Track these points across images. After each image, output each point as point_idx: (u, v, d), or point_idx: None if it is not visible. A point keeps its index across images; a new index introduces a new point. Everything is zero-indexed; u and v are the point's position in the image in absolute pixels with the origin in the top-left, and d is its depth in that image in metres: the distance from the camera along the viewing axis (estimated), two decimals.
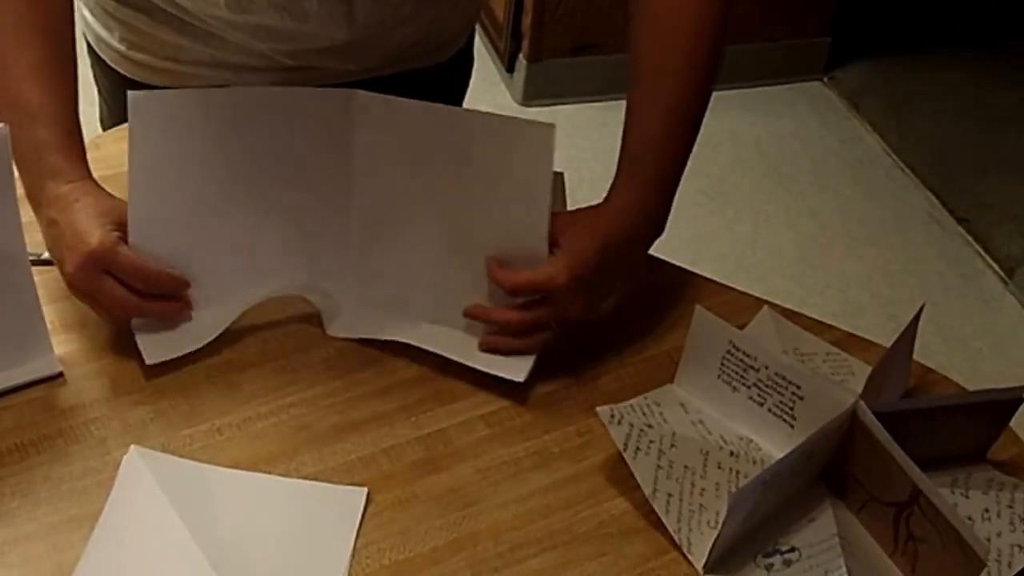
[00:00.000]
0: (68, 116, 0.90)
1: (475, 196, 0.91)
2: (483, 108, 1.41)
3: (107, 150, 1.04)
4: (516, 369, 0.92)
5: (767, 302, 1.03)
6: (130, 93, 0.79)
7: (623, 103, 0.96)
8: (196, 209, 0.89)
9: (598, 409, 0.85)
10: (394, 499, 0.84)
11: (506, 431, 0.90)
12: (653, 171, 0.95)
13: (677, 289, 1.05)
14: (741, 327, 1.00)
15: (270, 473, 0.85)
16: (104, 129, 1.24)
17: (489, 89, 2.76)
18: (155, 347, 0.89)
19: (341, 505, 0.83)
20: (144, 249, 0.85)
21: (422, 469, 0.86)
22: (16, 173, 0.84)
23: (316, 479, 0.84)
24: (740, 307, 1.03)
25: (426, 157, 0.91)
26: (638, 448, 0.84)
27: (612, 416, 0.85)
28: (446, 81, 1.29)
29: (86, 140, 0.94)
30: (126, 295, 0.87)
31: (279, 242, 0.94)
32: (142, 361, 0.90)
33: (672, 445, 0.86)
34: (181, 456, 0.85)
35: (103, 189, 0.88)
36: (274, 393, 0.91)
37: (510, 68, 2.81)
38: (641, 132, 0.95)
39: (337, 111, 0.90)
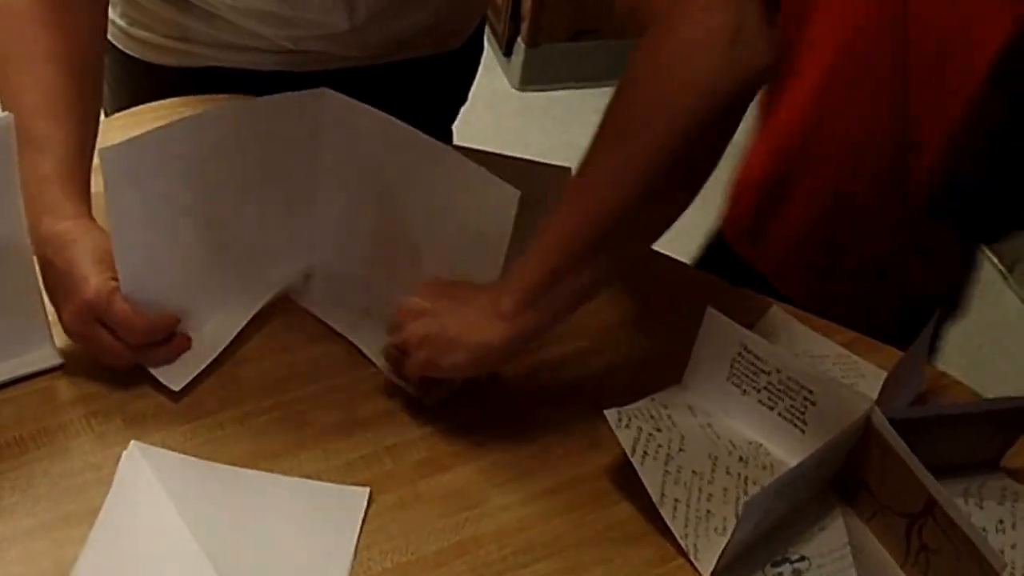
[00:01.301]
0: (73, 150, 0.87)
1: (431, 227, 0.90)
2: (481, 92, 1.43)
3: (110, 137, 1.02)
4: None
5: (776, 303, 1.02)
6: (100, 149, 0.78)
7: None
8: (178, 239, 0.87)
9: (606, 412, 0.84)
10: (397, 499, 0.83)
11: (511, 432, 0.89)
12: (530, 277, 0.83)
13: (686, 287, 1.04)
14: (749, 328, 0.99)
15: (271, 471, 0.83)
16: (106, 112, 1.22)
17: (486, 73, 2.71)
18: (173, 375, 0.88)
19: (343, 505, 0.82)
20: (136, 294, 0.84)
21: (425, 469, 0.85)
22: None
23: (318, 478, 0.83)
24: (749, 307, 1.02)
25: (389, 173, 0.90)
26: (646, 453, 0.83)
27: (620, 419, 0.84)
28: (454, 69, 1.27)
29: None
30: (120, 347, 0.85)
31: (259, 248, 0.92)
32: None
33: (680, 449, 0.85)
34: (182, 451, 0.84)
35: (101, 229, 0.85)
36: (276, 387, 0.89)
37: (508, 52, 2.78)
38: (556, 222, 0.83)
39: (305, 114, 0.89)
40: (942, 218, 1.10)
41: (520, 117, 2.71)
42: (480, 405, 0.90)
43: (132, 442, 0.83)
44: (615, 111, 0.82)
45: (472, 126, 1.45)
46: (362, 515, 0.81)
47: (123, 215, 0.81)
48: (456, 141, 1.36)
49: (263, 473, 0.83)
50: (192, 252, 0.88)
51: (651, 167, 0.80)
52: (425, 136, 0.87)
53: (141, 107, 1.12)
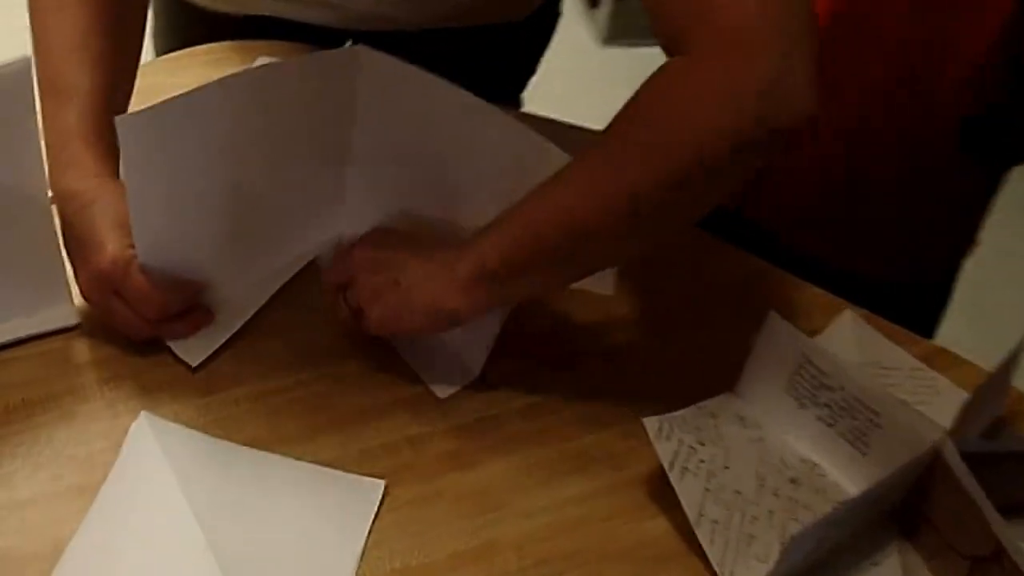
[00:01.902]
0: (100, 102, 0.82)
1: (473, 191, 0.83)
2: (561, 47, 1.35)
3: (152, 80, 0.97)
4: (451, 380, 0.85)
5: (850, 305, 0.94)
6: (117, 118, 0.72)
7: None
8: (200, 210, 0.82)
9: (645, 420, 0.77)
10: (414, 495, 0.77)
11: (544, 428, 0.82)
12: (489, 254, 0.76)
13: (750, 282, 0.96)
14: (817, 331, 0.91)
15: (285, 454, 0.78)
16: (157, 51, 1.18)
17: (568, 26, 2.62)
18: (191, 349, 0.83)
19: (356, 497, 0.77)
20: (155, 263, 0.79)
21: (448, 464, 0.79)
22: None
23: (332, 465, 0.78)
24: (818, 307, 0.94)
25: (429, 134, 0.84)
26: (685, 468, 0.76)
27: (660, 429, 0.77)
28: (521, 40, 1.19)
29: None
30: (136, 320, 0.80)
31: (287, 216, 0.87)
32: None
33: (725, 466, 0.77)
34: (194, 426, 0.79)
35: (124, 190, 0.80)
36: (298, 366, 0.84)
37: (594, 2, 2.63)
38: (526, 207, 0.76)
39: (338, 74, 0.82)
40: (971, 148, 1.02)
41: (603, 75, 2.56)
42: (514, 398, 0.84)
43: (142, 413, 0.79)
44: (615, 133, 0.73)
45: (549, 84, 1.37)
46: (375, 509, 0.76)
47: (141, 185, 0.76)
48: (531, 100, 1.29)
49: (275, 456, 0.78)
50: (215, 222, 0.83)
51: (637, 205, 0.72)
52: (469, 95, 0.80)
53: (188, 50, 1.07)
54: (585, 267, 0.79)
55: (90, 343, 0.83)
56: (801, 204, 1.07)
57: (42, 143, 0.79)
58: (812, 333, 0.90)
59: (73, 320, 0.84)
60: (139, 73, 0.91)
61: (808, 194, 1.06)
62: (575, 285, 0.88)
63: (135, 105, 0.87)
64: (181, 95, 0.74)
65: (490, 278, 0.76)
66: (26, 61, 0.75)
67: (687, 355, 0.89)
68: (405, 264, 0.79)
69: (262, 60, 1.05)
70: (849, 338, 0.91)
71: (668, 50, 0.72)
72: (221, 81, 0.76)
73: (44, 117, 0.82)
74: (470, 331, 0.84)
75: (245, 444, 0.78)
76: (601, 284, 0.91)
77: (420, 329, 0.80)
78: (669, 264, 0.95)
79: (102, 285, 0.79)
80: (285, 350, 0.85)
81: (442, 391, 0.84)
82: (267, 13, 1.07)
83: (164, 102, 0.74)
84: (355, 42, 0.91)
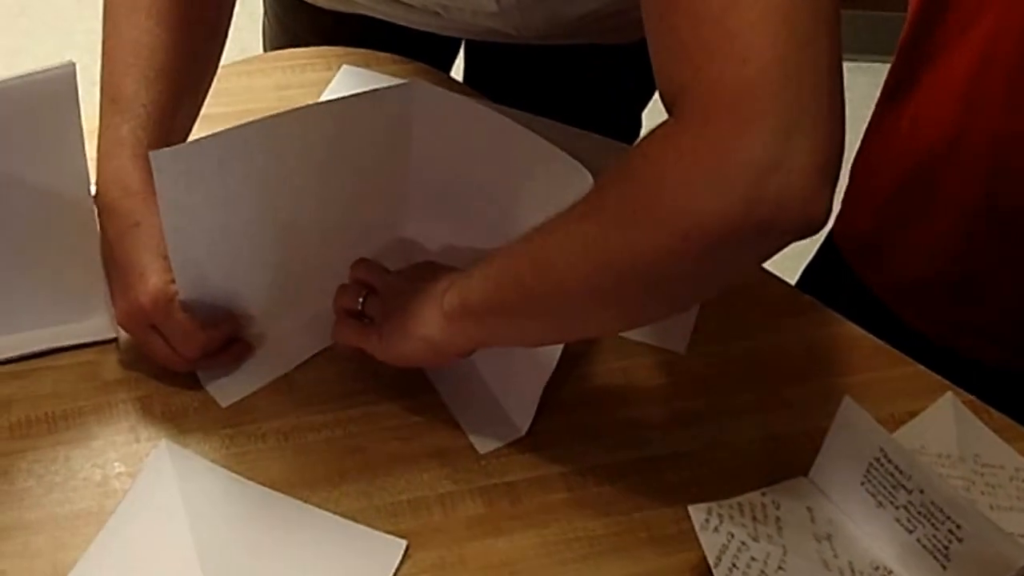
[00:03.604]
0: (158, 115, 0.78)
1: (522, 226, 0.76)
2: None
3: (226, 84, 0.93)
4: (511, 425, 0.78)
5: (953, 388, 0.84)
6: (152, 153, 0.68)
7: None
8: (244, 248, 0.77)
9: (691, 508, 0.69)
10: (436, 560, 0.71)
11: (588, 498, 0.75)
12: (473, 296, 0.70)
13: (840, 349, 0.87)
14: (914, 413, 0.81)
15: (306, 500, 0.73)
16: (265, 50, 1.15)
17: None
18: (224, 389, 0.79)
19: (374, 556, 0.71)
20: (196, 299, 0.75)
21: (478, 529, 0.73)
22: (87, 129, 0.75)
23: (355, 517, 0.72)
24: (918, 387, 0.84)
25: (482, 167, 0.79)
26: (734, 566, 0.68)
27: (708, 519, 0.69)
28: (640, 62, 1.12)
29: None
30: (174, 357, 0.76)
31: (338, 255, 0.81)
32: None
33: (780, 568, 0.69)
34: (215, 459, 0.75)
35: None
36: (334, 403, 0.79)
37: None
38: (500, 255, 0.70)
39: (391, 111, 0.77)
40: None
41: None
42: (559, 462, 0.77)
43: (163, 440, 0.75)
44: (603, 194, 0.64)
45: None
46: (392, 573, 0.70)
47: (177, 223, 0.72)
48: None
49: (294, 502, 0.73)
50: (260, 260, 0.78)
51: (615, 277, 0.63)
52: (524, 130, 0.74)
53: (270, 54, 1.03)
54: (573, 326, 0.70)
55: (123, 359, 0.80)
56: (918, 273, 0.96)
57: (87, 150, 0.76)
58: (908, 416, 0.81)
59: (109, 333, 0.80)
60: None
61: (928, 264, 0.95)
62: (645, 339, 0.81)
63: (203, 116, 0.84)
64: (219, 133, 0.70)
65: (470, 316, 0.70)
66: (70, 67, 0.71)
67: (758, 429, 0.80)
68: (404, 292, 0.74)
69: (345, 69, 1.01)
70: (948, 426, 0.81)
71: (667, 109, 0.62)
72: (267, 119, 0.71)
73: (101, 125, 0.78)
74: (518, 383, 0.78)
75: (266, 484, 0.74)
76: (672, 340, 0.84)
77: (410, 355, 0.74)
78: (748, 322, 0.87)
79: (141, 319, 0.75)
80: (319, 384, 0.80)
81: (483, 445, 0.77)
82: (372, 14, 1.02)
83: (202, 139, 0.70)
84: (466, 48, 0.85)
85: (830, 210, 0.58)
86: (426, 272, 0.75)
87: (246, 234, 0.76)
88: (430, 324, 0.71)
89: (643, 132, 1.16)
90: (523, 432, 0.78)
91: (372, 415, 0.78)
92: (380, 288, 0.77)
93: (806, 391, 0.83)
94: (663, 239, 0.59)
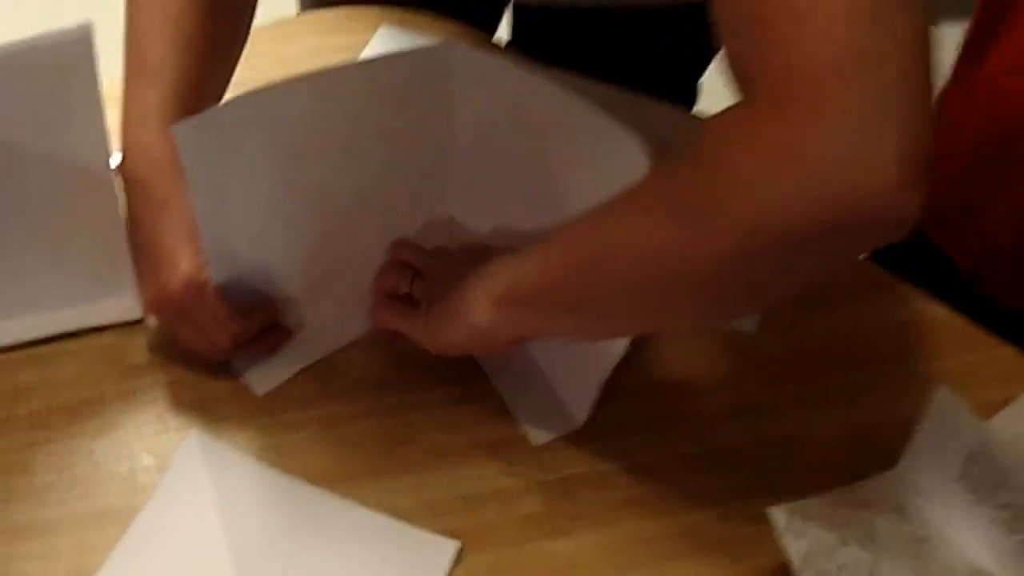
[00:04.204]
0: (187, 85, 0.72)
1: (577, 192, 0.70)
2: None
3: (260, 48, 0.86)
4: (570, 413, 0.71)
5: None
6: (174, 127, 0.62)
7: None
8: (278, 224, 0.71)
9: (771, 510, 0.63)
10: (490, 562, 0.65)
11: (652, 496, 0.69)
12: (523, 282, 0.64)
13: (928, 332, 0.80)
14: (1009, 399, 0.75)
15: (348, 496, 0.67)
16: (299, 12, 1.08)
17: None
18: (260, 376, 0.73)
19: (423, 558, 0.65)
20: (230, 284, 0.70)
21: (537, 529, 0.67)
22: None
23: (402, 515, 0.67)
24: (1012, 371, 0.77)
25: (528, 135, 0.72)
26: (820, 574, 0.62)
27: (789, 522, 0.62)
28: (699, 23, 1.05)
29: None
30: (206, 345, 0.71)
31: (379, 230, 0.75)
32: None
33: (871, 574, 0.63)
34: (250, 450, 0.69)
35: None
36: (378, 390, 0.73)
37: None
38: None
39: (433, 71, 0.70)
40: None
41: None
42: (621, 455, 0.71)
43: (192, 432, 0.69)
44: (672, 178, 0.57)
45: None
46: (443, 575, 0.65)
47: (208, 200, 0.66)
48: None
49: (335, 499, 0.67)
50: (296, 237, 0.72)
51: (679, 269, 0.56)
52: (572, 95, 0.68)
53: (298, 17, 0.97)
54: (630, 323, 0.64)
55: (150, 342, 0.74)
56: (1003, 246, 0.89)
57: (107, 118, 0.69)
58: (1002, 403, 0.74)
59: (135, 314, 0.74)
60: None
61: (1012, 236, 0.88)
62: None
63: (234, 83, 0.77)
64: (244, 96, 0.63)
65: (519, 304, 0.64)
66: (86, 28, 0.65)
67: (838, 419, 0.74)
68: (462, 275, 0.68)
69: (383, 31, 0.94)
70: None
71: (739, 90, 0.55)
72: (293, 81, 0.65)
73: (125, 96, 0.73)
74: (577, 370, 0.72)
75: (305, 478, 0.68)
76: (742, 320, 0.77)
77: (456, 343, 0.68)
78: (826, 302, 0.80)
79: (171, 307, 0.69)
80: (362, 369, 0.74)
81: (538, 437, 0.71)
82: None
83: (226, 104, 0.64)
84: (513, 10, 0.78)
85: (921, 206, 0.51)
86: (475, 254, 0.69)
87: (280, 209, 0.69)
88: (477, 311, 0.65)
89: (700, 104, 1.10)
90: (580, 423, 0.72)
91: (419, 404, 0.72)
92: (425, 270, 0.71)
93: (889, 376, 0.77)
94: (736, 236, 0.52)
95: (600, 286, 0.60)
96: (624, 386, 0.73)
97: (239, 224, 0.68)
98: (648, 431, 0.72)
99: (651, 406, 0.74)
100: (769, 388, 0.75)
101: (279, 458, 0.69)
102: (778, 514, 0.63)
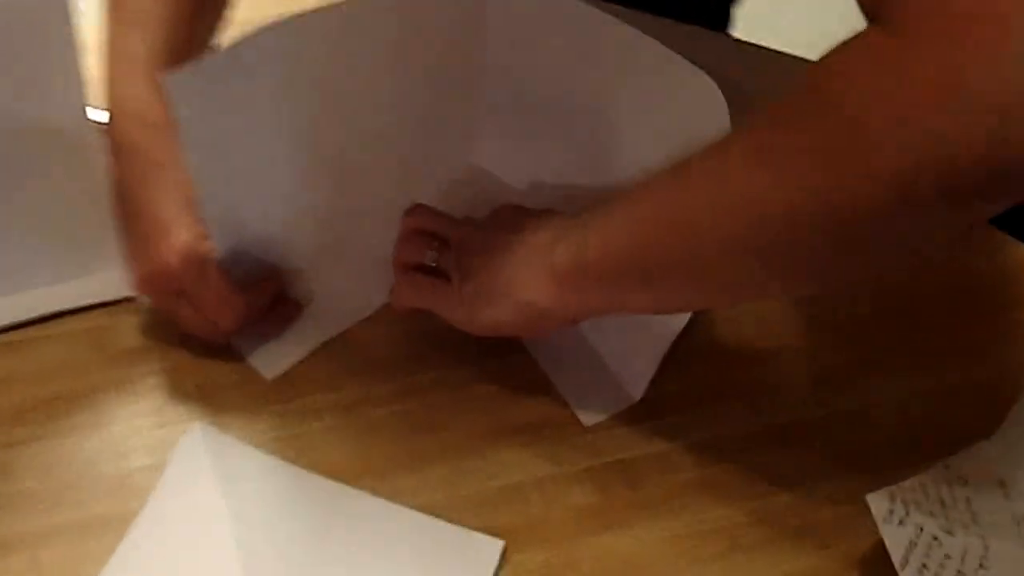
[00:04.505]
0: (177, 29, 0.63)
1: (630, 133, 0.61)
2: None
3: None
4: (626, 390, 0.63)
5: None
6: (164, 76, 0.53)
7: None
8: (286, 184, 0.63)
9: (870, 497, 0.54)
10: (542, 564, 0.57)
11: (721, 479, 0.61)
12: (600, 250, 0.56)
13: None
14: None
15: (377, 491, 0.59)
16: None
17: None
18: (269, 358, 0.64)
19: (463, 561, 0.57)
20: (232, 254, 0.61)
21: (590, 522, 0.59)
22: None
23: (437, 512, 0.58)
24: None
25: (572, 70, 0.63)
26: (925, 566, 0.53)
27: (892, 510, 0.54)
28: None
29: None
30: (208, 327, 0.62)
31: (399, 187, 0.66)
32: None
33: (980, 566, 0.54)
34: (261, 444, 0.60)
35: None
36: (403, 368, 0.64)
37: None
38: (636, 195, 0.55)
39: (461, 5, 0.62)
40: None
41: None
42: (684, 433, 0.62)
43: (196, 424, 0.61)
44: (783, 120, 0.48)
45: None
46: None
47: (205, 159, 0.57)
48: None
49: (361, 494, 0.59)
50: (306, 197, 0.64)
51: (792, 232, 0.48)
52: (624, 25, 0.59)
53: None
54: (723, 294, 0.56)
55: (143, 322, 0.65)
56: None
57: (85, 70, 0.60)
58: None
59: (122, 292, 0.65)
60: None
61: None
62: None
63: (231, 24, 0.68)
64: (244, 38, 0.54)
65: (589, 278, 0.55)
66: None
67: (924, 385, 0.66)
68: (506, 245, 0.59)
69: None
70: None
71: (869, 15, 0.47)
72: (300, 18, 0.55)
73: (109, 46, 0.64)
74: (632, 340, 0.63)
75: (326, 473, 0.59)
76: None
77: (506, 324, 0.60)
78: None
79: (167, 285, 0.61)
80: (384, 346, 0.65)
81: (589, 417, 0.63)
82: None
83: (225, 49, 0.55)
84: None
85: None
86: (517, 219, 0.60)
87: (287, 166, 0.61)
88: (534, 287, 0.56)
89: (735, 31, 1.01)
90: (636, 398, 0.63)
91: (451, 382, 0.64)
92: (456, 241, 0.62)
93: (979, 336, 0.68)
94: (867, 186, 0.44)
95: (685, 253, 0.51)
96: (684, 353, 0.64)
97: (241, 187, 0.59)
98: (712, 405, 0.64)
99: (715, 375, 0.65)
100: (847, 353, 0.67)
101: (295, 452, 0.60)
102: (878, 500, 0.54)
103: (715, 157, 0.50)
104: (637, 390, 0.63)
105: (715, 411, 0.63)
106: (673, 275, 0.53)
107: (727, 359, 0.66)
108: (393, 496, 0.59)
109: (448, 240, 0.62)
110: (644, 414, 0.63)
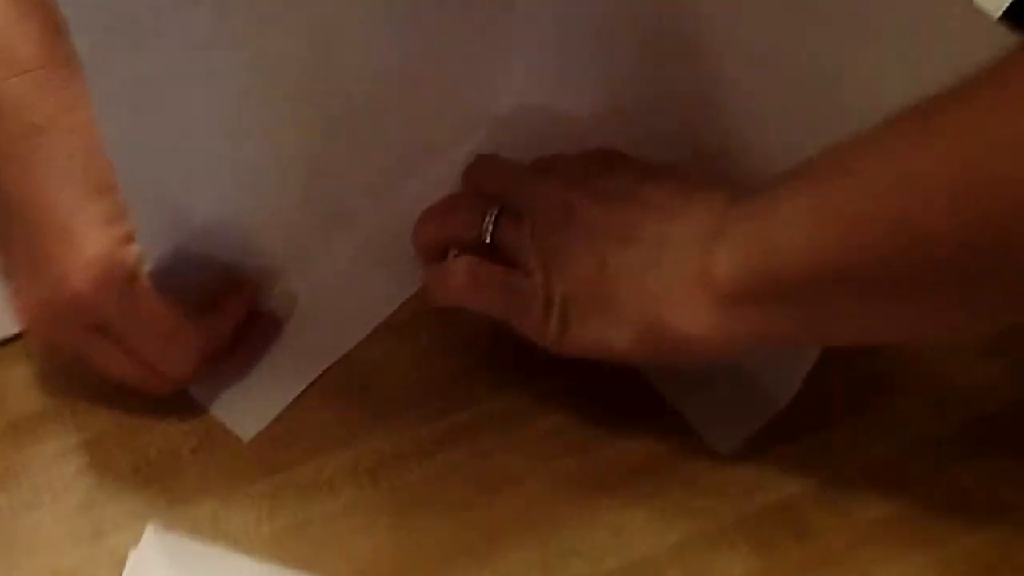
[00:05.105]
0: None
1: (743, 79, 0.43)
2: None
3: None
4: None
5: None
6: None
7: None
8: (249, 148, 0.42)
9: None
10: None
11: (926, 508, 0.42)
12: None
13: None
14: None
15: None
16: None
17: None
18: (244, 410, 0.44)
19: None
20: (174, 263, 0.42)
21: None
22: None
23: None
24: None
25: None
26: None
27: None
28: None
29: None
30: (149, 374, 0.41)
31: (407, 139, 0.46)
32: None
33: None
34: (251, 547, 0.40)
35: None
36: (440, 400, 0.44)
37: None
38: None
39: None
40: None
41: None
42: (855, 451, 0.44)
43: (148, 527, 0.40)
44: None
45: None
46: None
47: (122, 110, 0.37)
48: None
49: None
50: (280, 158, 0.43)
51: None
52: None
53: None
54: (953, 316, 0.36)
55: (38, 373, 0.44)
56: None
57: None
58: None
59: (8, 329, 0.44)
60: None
61: None
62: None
63: None
64: None
65: (775, 294, 0.36)
66: None
67: None
68: (629, 231, 0.39)
69: None
70: None
71: None
72: None
73: None
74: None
75: None
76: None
77: (620, 352, 0.39)
78: None
79: (75, 317, 0.39)
80: (409, 368, 0.45)
81: (726, 444, 0.44)
82: None
83: None
84: None
85: None
86: (636, 185, 0.40)
87: (251, 114, 0.40)
88: (681, 309, 0.37)
89: None
90: (783, 404, 0.44)
91: (507, 416, 0.44)
92: (535, 206, 0.41)
93: None
94: None
95: (923, 261, 0.32)
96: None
97: (184, 151, 0.38)
98: (890, 410, 0.45)
99: (883, 367, 0.46)
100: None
101: (297, 551, 0.40)
102: None
103: (953, 121, 0.31)
104: (786, 391, 0.44)
105: (894, 417, 0.44)
106: (898, 291, 0.34)
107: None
108: None
109: (514, 204, 0.42)
110: (797, 426, 0.44)
